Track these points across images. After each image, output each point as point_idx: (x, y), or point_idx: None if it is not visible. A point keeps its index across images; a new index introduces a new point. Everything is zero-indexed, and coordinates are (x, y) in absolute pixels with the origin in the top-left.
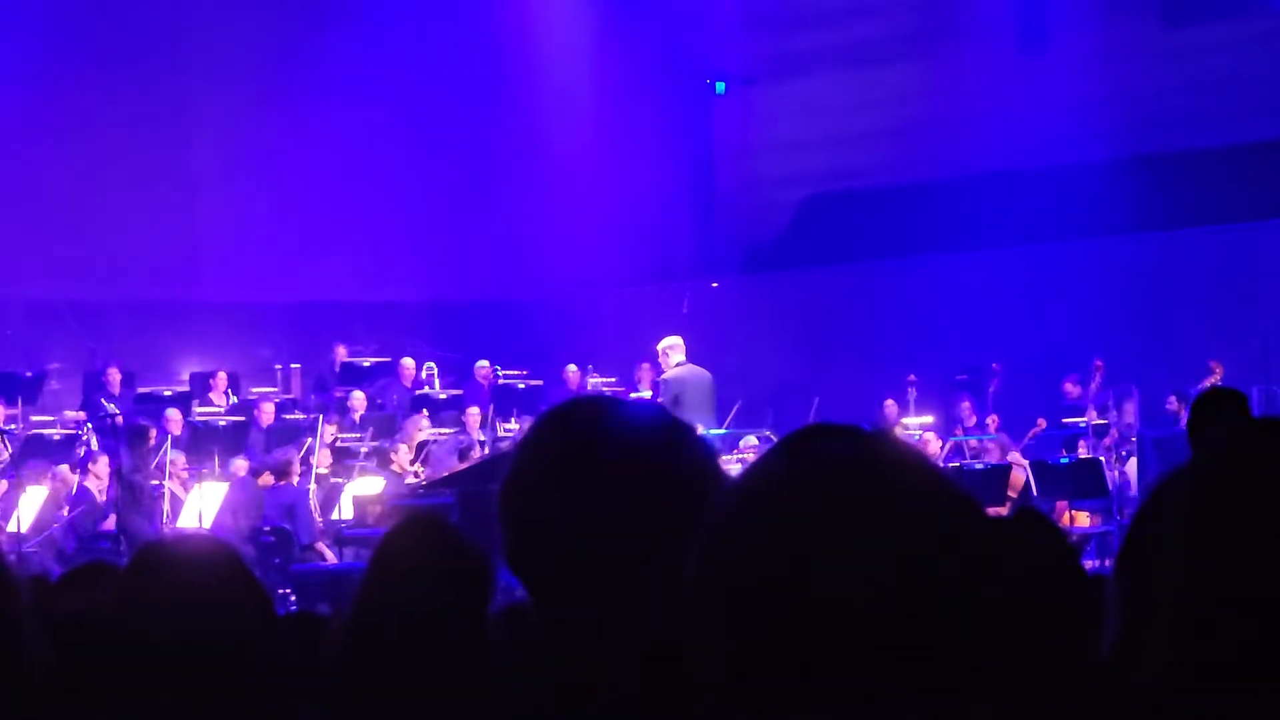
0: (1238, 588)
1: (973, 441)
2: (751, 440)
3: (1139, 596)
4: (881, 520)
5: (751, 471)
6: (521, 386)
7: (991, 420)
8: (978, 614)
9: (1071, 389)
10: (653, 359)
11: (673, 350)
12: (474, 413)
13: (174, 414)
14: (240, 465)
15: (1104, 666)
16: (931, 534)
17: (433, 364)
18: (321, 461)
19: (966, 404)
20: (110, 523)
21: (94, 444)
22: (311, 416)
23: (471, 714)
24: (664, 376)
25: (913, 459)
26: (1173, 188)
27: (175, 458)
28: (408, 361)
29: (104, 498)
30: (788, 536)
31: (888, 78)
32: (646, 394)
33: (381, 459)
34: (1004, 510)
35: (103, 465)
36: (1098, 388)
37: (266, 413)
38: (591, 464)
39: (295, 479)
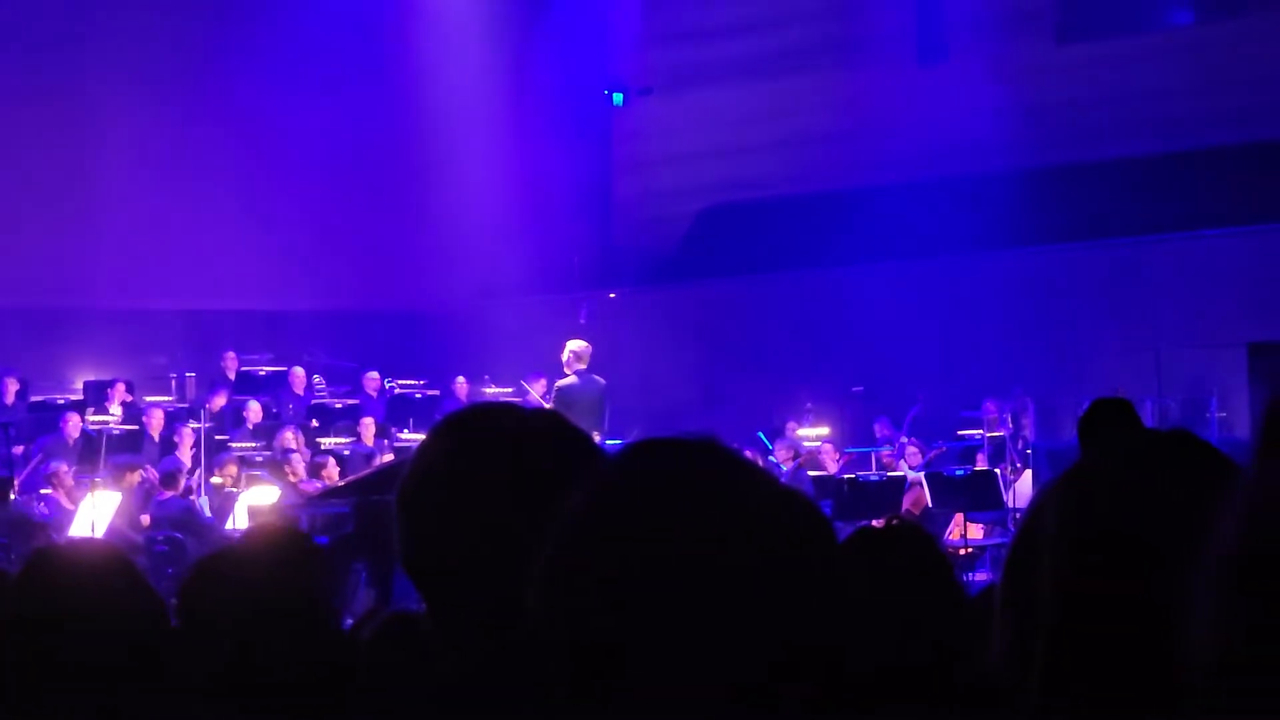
0: (1106, 596)
1: (885, 456)
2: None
3: (1022, 607)
4: (720, 529)
5: (589, 483)
6: (418, 396)
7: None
8: (834, 620)
9: (991, 410)
10: (550, 370)
11: (574, 356)
12: (369, 423)
13: (74, 419)
14: (133, 474)
15: (989, 677)
16: (768, 537)
17: (319, 377)
18: (212, 471)
19: (883, 421)
20: None
21: None
22: (207, 425)
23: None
24: (557, 384)
25: (748, 467)
26: (1067, 201)
27: (58, 467)
28: (299, 371)
29: None
30: (627, 544)
31: (785, 90)
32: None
33: (276, 469)
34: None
35: None
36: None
37: (157, 420)
38: (487, 469)
39: (183, 489)
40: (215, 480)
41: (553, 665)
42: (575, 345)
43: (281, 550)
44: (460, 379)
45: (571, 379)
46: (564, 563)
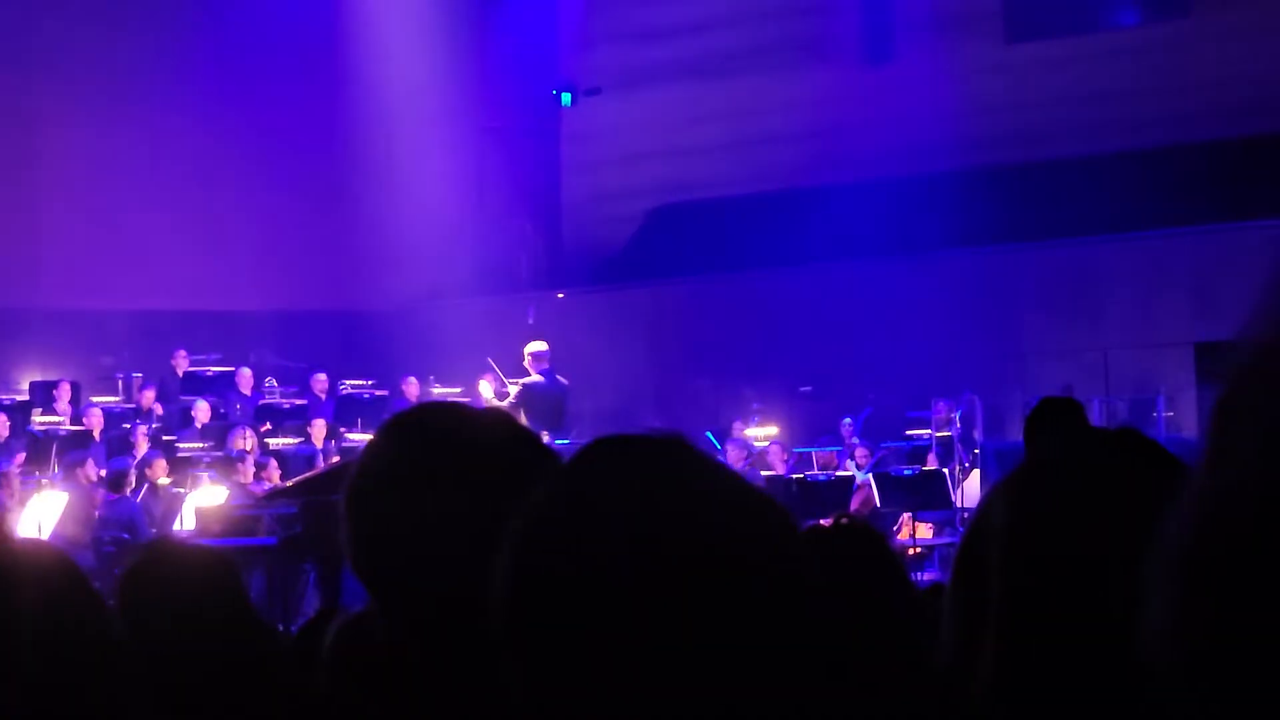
0: (1054, 595)
1: (830, 455)
2: None
3: (971, 605)
4: (687, 527)
5: (552, 481)
6: (367, 397)
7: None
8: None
9: (939, 410)
10: (508, 371)
11: (533, 358)
12: (320, 424)
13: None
14: (80, 475)
15: (939, 675)
16: (732, 536)
17: (271, 379)
18: (159, 472)
19: (847, 421)
20: None
21: None
22: (154, 427)
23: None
24: (522, 382)
25: (709, 464)
26: (1015, 202)
27: (10, 469)
28: (246, 371)
29: None
30: (582, 543)
31: (734, 90)
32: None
33: (225, 469)
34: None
35: None
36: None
37: (97, 420)
38: (435, 468)
39: (130, 489)
40: (161, 480)
41: (513, 666)
42: (536, 346)
43: (202, 559)
44: (411, 379)
45: (537, 378)
46: (526, 562)
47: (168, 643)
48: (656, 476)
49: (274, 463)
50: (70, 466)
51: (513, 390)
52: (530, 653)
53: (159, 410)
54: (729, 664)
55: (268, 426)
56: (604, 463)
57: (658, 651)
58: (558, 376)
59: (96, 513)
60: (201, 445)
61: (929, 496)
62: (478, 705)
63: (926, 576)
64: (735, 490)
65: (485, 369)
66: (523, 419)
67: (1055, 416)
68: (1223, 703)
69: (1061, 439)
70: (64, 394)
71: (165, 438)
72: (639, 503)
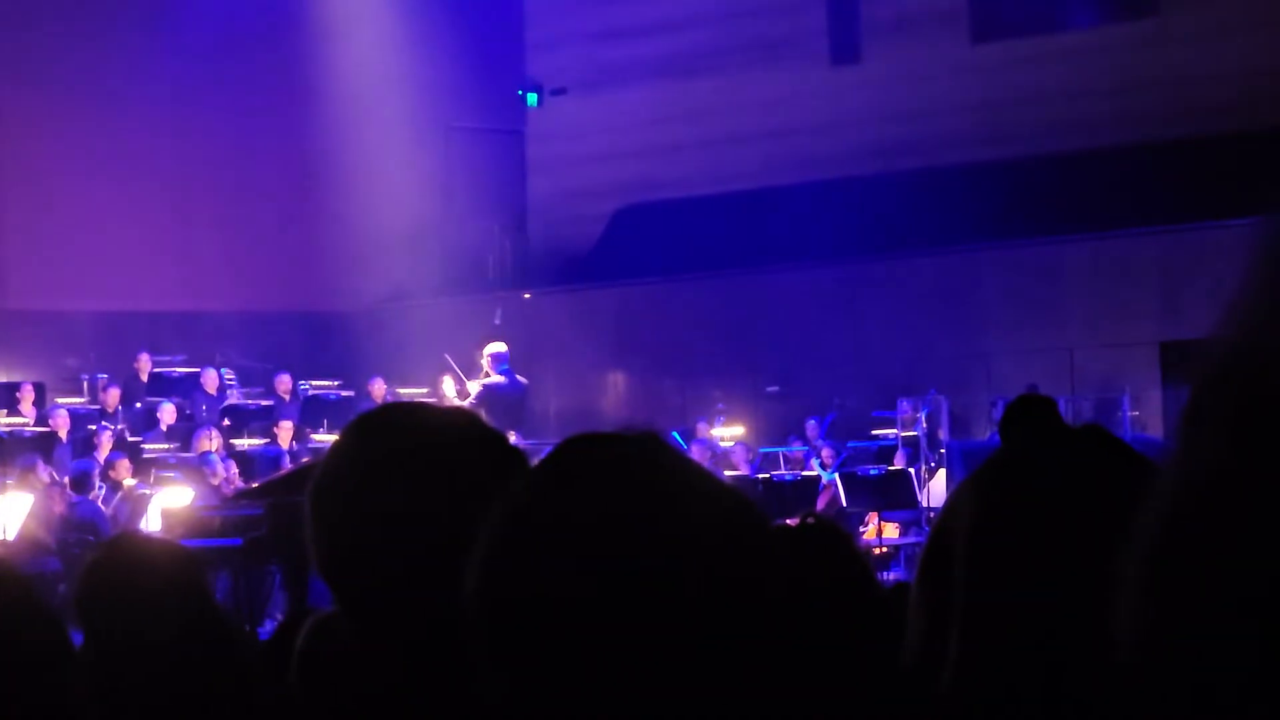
0: (1018, 593)
1: (796, 455)
2: None
3: (936, 604)
4: (664, 527)
5: (526, 479)
6: (333, 398)
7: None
8: (763, 616)
9: (905, 409)
10: (466, 371)
11: (493, 358)
12: (287, 425)
13: None
14: (32, 478)
15: (905, 672)
16: (709, 536)
17: (229, 370)
18: (123, 473)
19: (811, 423)
20: None
21: None
22: (119, 428)
23: None
24: (484, 382)
25: (685, 462)
26: (981, 201)
27: None
28: (212, 372)
29: None
30: (560, 542)
31: (700, 90)
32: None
33: (192, 470)
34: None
35: None
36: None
37: (63, 420)
38: (400, 468)
39: (95, 491)
40: (127, 482)
41: (486, 668)
42: (496, 347)
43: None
44: (377, 380)
45: (498, 378)
46: (500, 563)
47: (131, 638)
48: (630, 476)
49: (233, 464)
50: (22, 470)
51: (474, 390)
52: (503, 654)
53: (108, 406)
54: (704, 665)
55: (228, 423)
56: (578, 462)
57: (629, 650)
58: (517, 376)
59: (60, 514)
60: (167, 446)
61: (895, 496)
62: (447, 706)
63: (892, 576)
64: (709, 489)
65: (446, 371)
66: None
67: (1030, 413)
68: (1191, 699)
69: (1028, 437)
70: (27, 395)
71: (130, 439)
72: (613, 503)
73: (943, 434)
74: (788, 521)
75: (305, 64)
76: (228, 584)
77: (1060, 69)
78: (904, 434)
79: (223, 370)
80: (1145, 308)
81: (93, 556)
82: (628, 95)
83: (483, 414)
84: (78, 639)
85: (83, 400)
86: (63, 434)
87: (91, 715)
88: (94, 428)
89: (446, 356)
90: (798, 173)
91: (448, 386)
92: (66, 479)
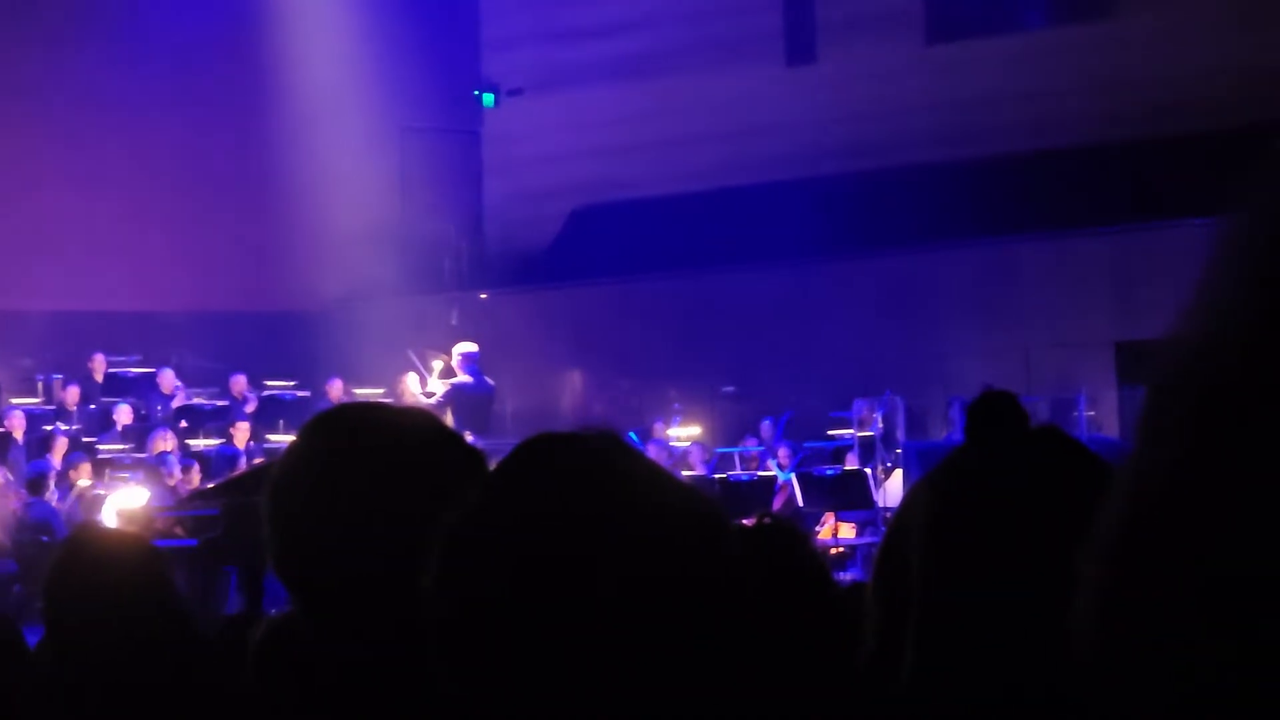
0: (973, 591)
1: (753, 460)
2: None
3: (892, 603)
4: (623, 527)
5: (484, 479)
6: (289, 398)
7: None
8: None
9: (861, 410)
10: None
11: (463, 358)
12: (243, 426)
13: None
14: None
15: (860, 671)
16: (667, 536)
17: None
18: (81, 474)
19: (766, 423)
20: None
21: None
22: (74, 429)
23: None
24: (453, 382)
25: (643, 463)
26: (936, 201)
27: None
28: (168, 372)
29: None
30: (518, 542)
31: (656, 91)
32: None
33: (149, 471)
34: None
35: None
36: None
37: (18, 421)
38: (357, 468)
39: (50, 492)
40: (82, 482)
41: (445, 669)
42: (466, 347)
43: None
44: (335, 381)
45: (465, 378)
46: (458, 562)
47: (95, 627)
48: (589, 476)
49: (196, 465)
50: None
51: (441, 389)
52: (460, 654)
53: (67, 404)
54: (661, 664)
55: (185, 425)
56: (536, 462)
57: (586, 650)
58: (485, 378)
59: (15, 515)
60: (123, 447)
61: (851, 496)
62: (405, 706)
63: (849, 576)
64: (667, 489)
65: (408, 368)
66: (449, 419)
67: (994, 412)
68: (1149, 697)
69: (986, 437)
70: None
71: (85, 439)
72: (571, 503)
73: (899, 434)
74: (744, 521)
75: (260, 63)
76: (183, 585)
77: (1015, 69)
78: (860, 434)
79: (183, 375)
80: (1100, 308)
81: (60, 546)
82: (584, 96)
83: (449, 414)
84: (40, 634)
85: (37, 400)
86: (18, 435)
87: (52, 706)
88: (49, 428)
89: (410, 353)
90: (754, 173)
91: (412, 383)
92: (10, 480)
